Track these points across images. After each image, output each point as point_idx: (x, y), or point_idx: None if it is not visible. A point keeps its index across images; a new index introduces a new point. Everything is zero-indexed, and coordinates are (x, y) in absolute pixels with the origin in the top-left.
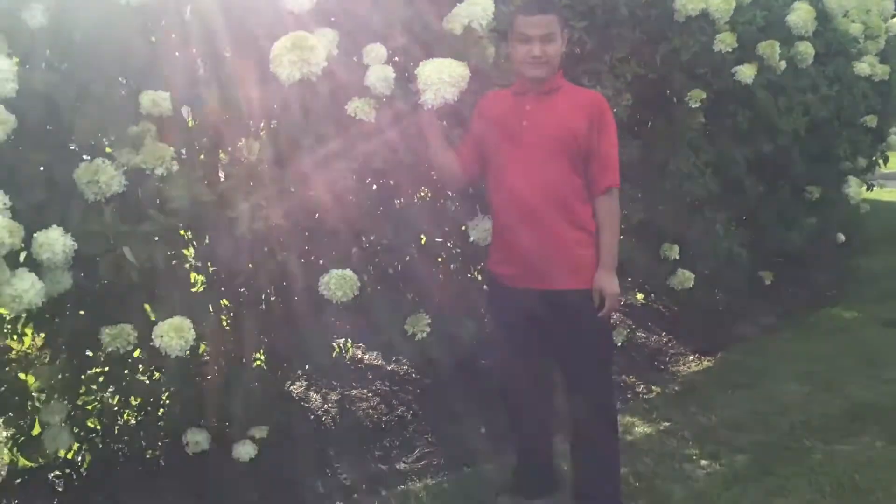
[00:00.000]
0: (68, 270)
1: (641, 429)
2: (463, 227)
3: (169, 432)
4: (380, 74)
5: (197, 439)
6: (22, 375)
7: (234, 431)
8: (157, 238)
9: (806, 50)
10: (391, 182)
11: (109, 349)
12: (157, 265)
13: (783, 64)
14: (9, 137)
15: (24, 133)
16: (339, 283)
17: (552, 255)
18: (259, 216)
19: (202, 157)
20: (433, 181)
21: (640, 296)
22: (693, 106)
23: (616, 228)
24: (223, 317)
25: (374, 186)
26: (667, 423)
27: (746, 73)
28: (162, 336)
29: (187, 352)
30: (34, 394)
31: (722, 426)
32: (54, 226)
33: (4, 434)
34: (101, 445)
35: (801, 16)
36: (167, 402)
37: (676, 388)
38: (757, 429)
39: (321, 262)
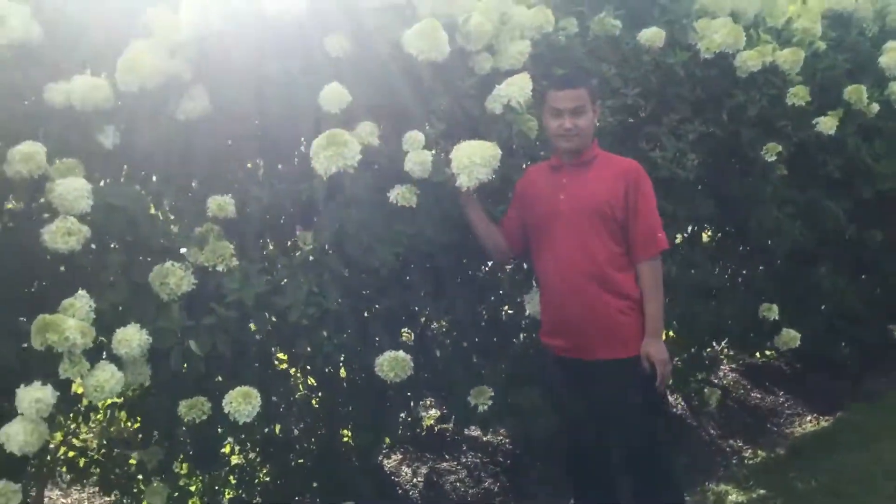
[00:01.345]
0: (147, 363)
1: (734, 497)
2: (519, 300)
3: None
4: (416, 159)
5: None
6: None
7: None
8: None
9: None
10: (440, 263)
11: (186, 419)
12: (223, 354)
13: (875, 107)
14: (84, 247)
15: (104, 241)
16: (391, 364)
17: (595, 326)
18: (312, 302)
19: (264, 252)
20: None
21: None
22: (769, 160)
23: (659, 294)
24: (305, 393)
25: (427, 265)
26: (762, 491)
27: (828, 124)
28: (231, 402)
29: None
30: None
31: (820, 492)
32: (132, 323)
33: None
34: None
35: (894, 57)
36: (265, 478)
37: (782, 452)
38: (859, 494)
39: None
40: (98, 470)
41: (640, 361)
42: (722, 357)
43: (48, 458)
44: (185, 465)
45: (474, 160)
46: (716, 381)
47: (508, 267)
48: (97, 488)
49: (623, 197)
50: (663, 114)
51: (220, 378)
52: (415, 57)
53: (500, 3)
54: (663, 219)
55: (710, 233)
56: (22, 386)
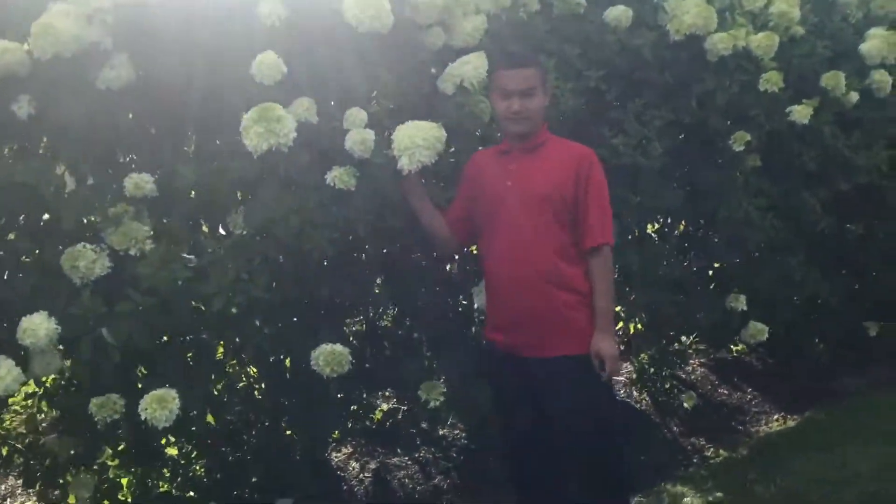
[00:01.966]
0: (57, 353)
1: (689, 499)
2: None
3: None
4: (357, 138)
5: None
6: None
7: (259, 502)
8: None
9: (882, 78)
10: (384, 250)
11: (97, 418)
12: (138, 344)
13: (854, 96)
14: None
15: (12, 223)
16: (327, 358)
17: (541, 320)
18: (240, 290)
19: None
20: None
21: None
22: (737, 149)
23: (609, 288)
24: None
25: (373, 253)
26: (719, 494)
27: (801, 113)
28: (146, 408)
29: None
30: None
31: (780, 496)
32: (39, 311)
33: None
34: None
35: (876, 45)
36: (200, 472)
37: (745, 453)
38: (818, 500)
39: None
40: (21, 460)
41: (589, 359)
42: (691, 351)
43: None
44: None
45: (416, 142)
46: (683, 376)
47: (457, 257)
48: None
49: (574, 184)
50: (629, 99)
51: (141, 370)
52: (355, 28)
53: None
54: (628, 209)
55: (680, 225)
56: None
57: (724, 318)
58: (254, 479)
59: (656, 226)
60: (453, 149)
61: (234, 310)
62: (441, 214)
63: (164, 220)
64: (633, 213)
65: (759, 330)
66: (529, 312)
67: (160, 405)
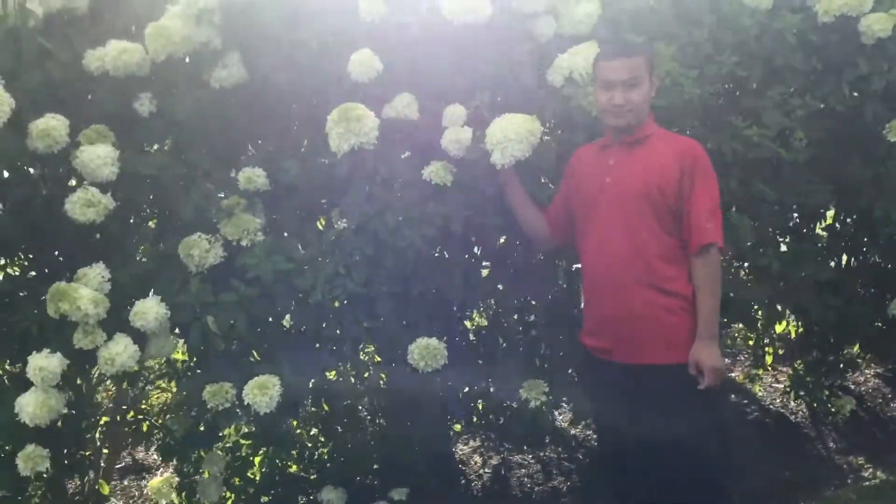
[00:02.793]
0: (171, 336)
1: None
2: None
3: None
4: (452, 137)
5: (330, 497)
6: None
7: (377, 490)
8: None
9: None
10: (481, 247)
11: (209, 405)
12: (240, 333)
13: None
14: (110, 216)
15: (132, 210)
16: (422, 352)
17: (639, 326)
18: (338, 284)
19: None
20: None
21: None
22: (893, 139)
23: (715, 292)
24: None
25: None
26: None
27: None
28: (248, 394)
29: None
30: None
31: None
32: (152, 296)
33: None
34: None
35: None
36: (324, 454)
37: None
38: None
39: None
40: (159, 434)
41: (685, 370)
42: (860, 360)
43: (119, 418)
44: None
45: (508, 135)
46: (852, 386)
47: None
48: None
49: (678, 181)
50: (768, 86)
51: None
52: (450, 21)
53: None
54: (765, 206)
55: (826, 222)
56: (33, 353)
57: (890, 326)
58: (375, 466)
59: (795, 223)
60: (557, 144)
61: (335, 303)
62: (541, 211)
63: (274, 217)
64: (771, 210)
65: None
66: (622, 315)
67: (261, 391)
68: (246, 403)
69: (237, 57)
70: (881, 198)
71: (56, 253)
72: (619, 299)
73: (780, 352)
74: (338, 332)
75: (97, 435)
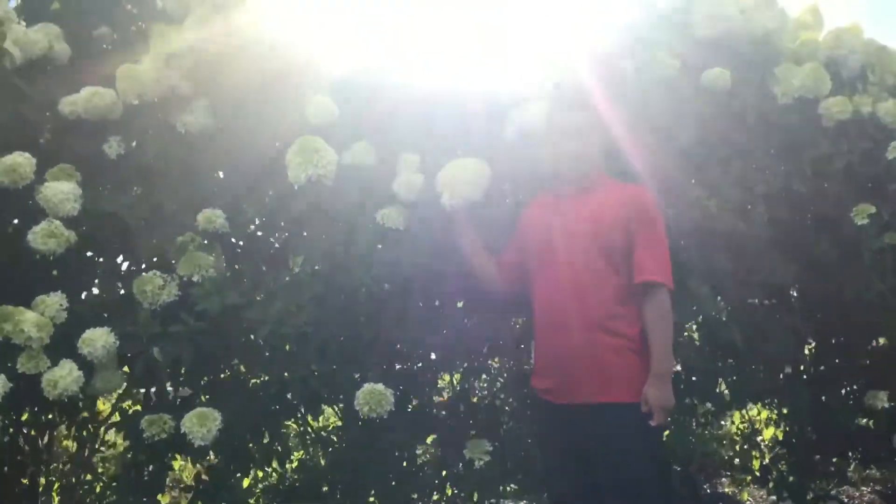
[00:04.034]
0: (119, 370)
1: None
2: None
3: None
4: (403, 180)
5: None
6: None
7: None
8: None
9: None
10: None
11: (146, 434)
12: (185, 365)
13: None
14: (71, 249)
15: (94, 247)
16: (366, 397)
17: (582, 364)
18: (289, 322)
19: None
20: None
21: None
22: (860, 223)
23: (665, 331)
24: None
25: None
26: None
27: None
28: (186, 423)
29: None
30: None
31: None
32: (104, 327)
33: None
34: None
35: None
36: None
37: None
38: None
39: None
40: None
41: (632, 410)
42: (852, 473)
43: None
44: None
45: (457, 176)
46: (846, 500)
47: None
48: None
49: (624, 224)
50: (728, 162)
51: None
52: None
53: None
54: (727, 280)
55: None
56: None
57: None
58: None
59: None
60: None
61: (278, 342)
62: (493, 260)
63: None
64: (735, 285)
65: None
66: (570, 355)
67: (200, 422)
68: (182, 432)
69: (204, 103)
70: (852, 278)
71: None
72: (565, 339)
73: (767, 459)
74: (285, 374)
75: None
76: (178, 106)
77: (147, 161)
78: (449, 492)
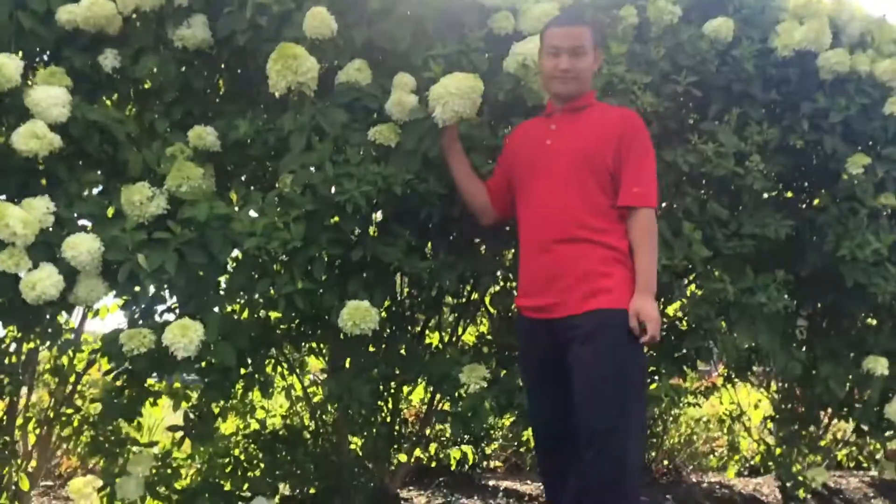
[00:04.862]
0: (102, 278)
1: None
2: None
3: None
4: (395, 99)
5: None
6: None
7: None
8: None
9: None
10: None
11: (125, 349)
12: (169, 273)
13: None
14: (53, 157)
15: (80, 156)
16: (351, 313)
17: (572, 276)
18: (277, 237)
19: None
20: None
21: None
22: (854, 171)
23: (652, 248)
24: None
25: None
26: None
27: None
28: (166, 336)
29: (193, 353)
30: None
31: None
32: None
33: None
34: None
35: None
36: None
37: None
38: None
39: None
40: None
41: (620, 314)
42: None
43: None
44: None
45: (450, 90)
46: (832, 485)
47: None
48: None
49: (616, 143)
50: (724, 112)
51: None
52: None
53: None
54: (721, 230)
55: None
56: None
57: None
58: (311, 490)
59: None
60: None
61: (264, 256)
62: (482, 183)
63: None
64: (728, 236)
65: None
66: (558, 269)
67: (181, 332)
68: (164, 345)
69: (202, 18)
70: (845, 239)
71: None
72: (552, 254)
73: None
74: (271, 289)
75: (30, 428)
76: (175, 18)
77: (140, 75)
78: (439, 427)
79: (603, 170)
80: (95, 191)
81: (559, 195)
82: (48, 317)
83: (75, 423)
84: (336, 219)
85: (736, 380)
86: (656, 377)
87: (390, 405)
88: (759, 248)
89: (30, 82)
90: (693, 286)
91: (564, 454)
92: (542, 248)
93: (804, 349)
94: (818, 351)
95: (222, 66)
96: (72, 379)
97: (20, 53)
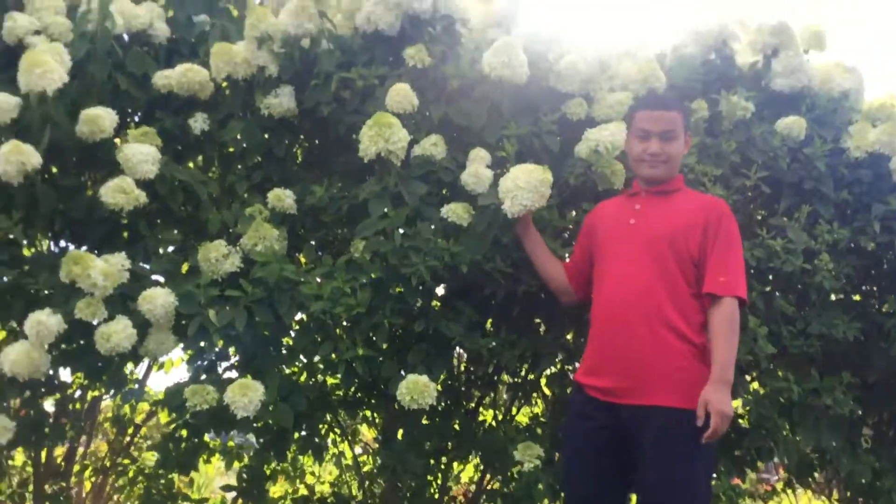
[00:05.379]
0: (173, 333)
1: None
2: None
3: None
4: (471, 170)
5: None
6: None
7: None
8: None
9: None
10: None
11: (188, 404)
12: (237, 330)
13: None
14: (140, 210)
15: (162, 213)
16: (409, 388)
17: (646, 362)
18: (343, 302)
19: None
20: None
21: None
22: None
23: (731, 339)
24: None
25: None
26: None
27: None
28: (228, 395)
29: (252, 413)
30: None
31: None
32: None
33: None
34: None
35: None
36: None
37: None
38: None
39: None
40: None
41: (692, 415)
42: None
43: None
44: None
45: (519, 184)
46: None
47: None
48: None
49: (701, 229)
50: (793, 209)
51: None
52: (488, 74)
53: (599, 51)
54: (787, 328)
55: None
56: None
57: None
58: None
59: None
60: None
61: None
62: (560, 264)
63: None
64: (793, 335)
65: None
66: (634, 354)
67: (241, 391)
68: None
69: (289, 89)
70: None
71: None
72: (630, 337)
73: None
74: (332, 354)
75: (86, 475)
76: (264, 87)
77: (226, 139)
78: None
79: (686, 257)
80: (171, 248)
81: (641, 276)
82: (115, 367)
83: (130, 474)
84: (400, 289)
85: (797, 485)
86: (714, 476)
87: (439, 481)
88: (826, 350)
89: (118, 141)
90: (756, 384)
91: None
92: (619, 328)
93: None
94: (883, 462)
95: (302, 135)
96: (130, 430)
97: (114, 112)
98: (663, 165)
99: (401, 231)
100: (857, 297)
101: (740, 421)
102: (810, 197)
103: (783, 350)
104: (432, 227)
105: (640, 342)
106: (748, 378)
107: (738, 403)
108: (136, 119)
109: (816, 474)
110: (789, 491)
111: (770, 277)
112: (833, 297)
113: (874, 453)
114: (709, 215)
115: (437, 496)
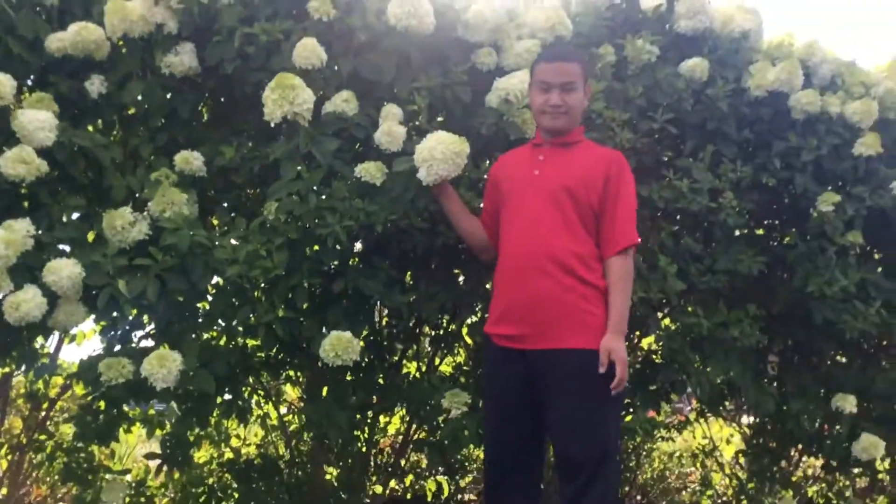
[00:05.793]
0: (82, 304)
1: None
2: None
3: None
4: (385, 129)
5: None
6: None
7: None
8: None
9: None
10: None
11: (103, 378)
12: (150, 300)
13: None
14: (36, 178)
15: (64, 180)
16: (332, 343)
17: (554, 310)
18: (259, 265)
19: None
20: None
21: None
22: (824, 209)
23: (628, 289)
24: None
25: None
26: None
27: None
28: (145, 367)
29: (172, 384)
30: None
31: None
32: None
33: None
34: None
35: None
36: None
37: None
38: None
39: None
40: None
41: (597, 355)
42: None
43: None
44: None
45: (435, 154)
46: None
47: None
48: None
49: (602, 183)
50: (698, 149)
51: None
52: (393, 26)
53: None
54: (695, 266)
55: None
56: None
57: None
58: None
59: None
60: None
61: (245, 283)
62: (476, 219)
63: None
64: (701, 270)
65: (872, 443)
66: (540, 298)
67: (160, 363)
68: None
69: (190, 46)
70: (814, 276)
71: None
72: (535, 283)
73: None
74: (251, 317)
75: (1, 454)
76: (163, 45)
77: (127, 101)
78: (414, 458)
79: (587, 207)
80: (76, 216)
81: (544, 224)
82: (25, 341)
83: (48, 450)
84: (317, 248)
85: (709, 415)
86: (631, 409)
87: (366, 435)
88: (733, 284)
89: (12, 106)
90: (668, 320)
91: (515, 484)
92: (524, 276)
93: (776, 385)
94: (789, 387)
95: (207, 94)
96: (45, 405)
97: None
98: (564, 116)
99: (315, 190)
100: (760, 232)
101: (654, 357)
102: (714, 137)
103: (692, 286)
104: (347, 183)
105: (546, 288)
106: (660, 315)
107: (650, 340)
108: (30, 84)
109: (727, 403)
110: (701, 421)
111: (678, 217)
112: (737, 232)
113: (780, 380)
114: (609, 169)
115: (364, 450)
